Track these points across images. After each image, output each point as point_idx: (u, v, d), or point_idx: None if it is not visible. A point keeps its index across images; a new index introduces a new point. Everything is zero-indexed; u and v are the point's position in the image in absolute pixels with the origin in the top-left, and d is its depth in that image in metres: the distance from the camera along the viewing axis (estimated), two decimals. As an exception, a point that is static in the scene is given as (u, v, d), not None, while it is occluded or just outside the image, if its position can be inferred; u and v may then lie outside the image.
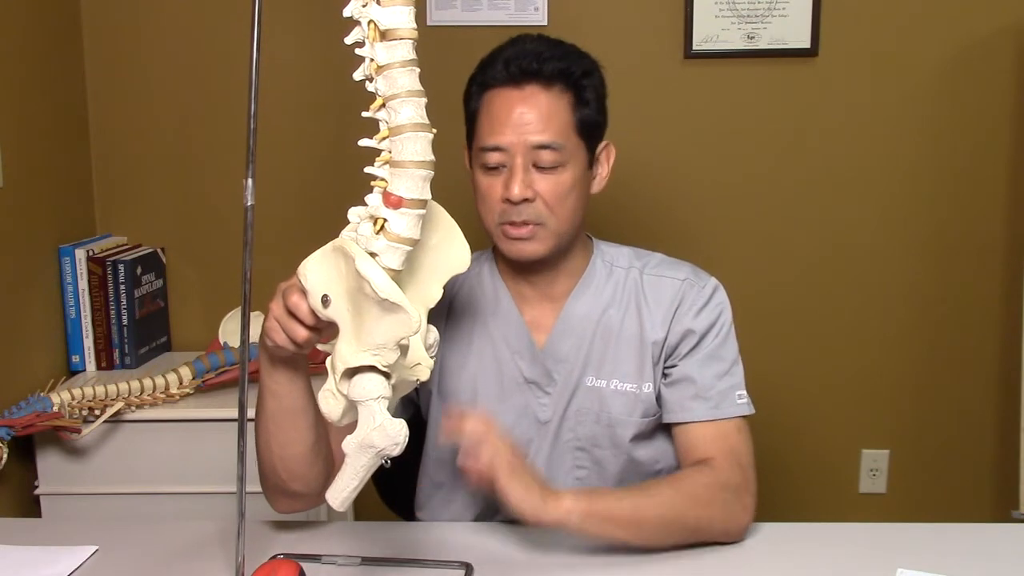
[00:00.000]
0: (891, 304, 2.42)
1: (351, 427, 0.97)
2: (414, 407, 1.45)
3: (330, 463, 1.24)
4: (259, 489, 1.31)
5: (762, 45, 2.29)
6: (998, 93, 2.31)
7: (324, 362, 1.02)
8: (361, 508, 1.51)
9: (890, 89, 2.32)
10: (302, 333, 1.06)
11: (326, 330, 1.05)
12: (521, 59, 1.27)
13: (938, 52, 2.31)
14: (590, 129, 1.30)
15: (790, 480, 2.46)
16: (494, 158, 1.27)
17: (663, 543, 1.20)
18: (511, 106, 1.26)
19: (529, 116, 1.25)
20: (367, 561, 1.20)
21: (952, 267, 2.39)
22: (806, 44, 2.29)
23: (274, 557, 1.19)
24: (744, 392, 1.33)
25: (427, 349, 1.04)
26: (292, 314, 1.05)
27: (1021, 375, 2.16)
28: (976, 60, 2.30)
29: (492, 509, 1.37)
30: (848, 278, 2.41)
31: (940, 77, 2.32)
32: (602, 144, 1.35)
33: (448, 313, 1.39)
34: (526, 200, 1.25)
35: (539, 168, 1.26)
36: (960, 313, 2.41)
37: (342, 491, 0.97)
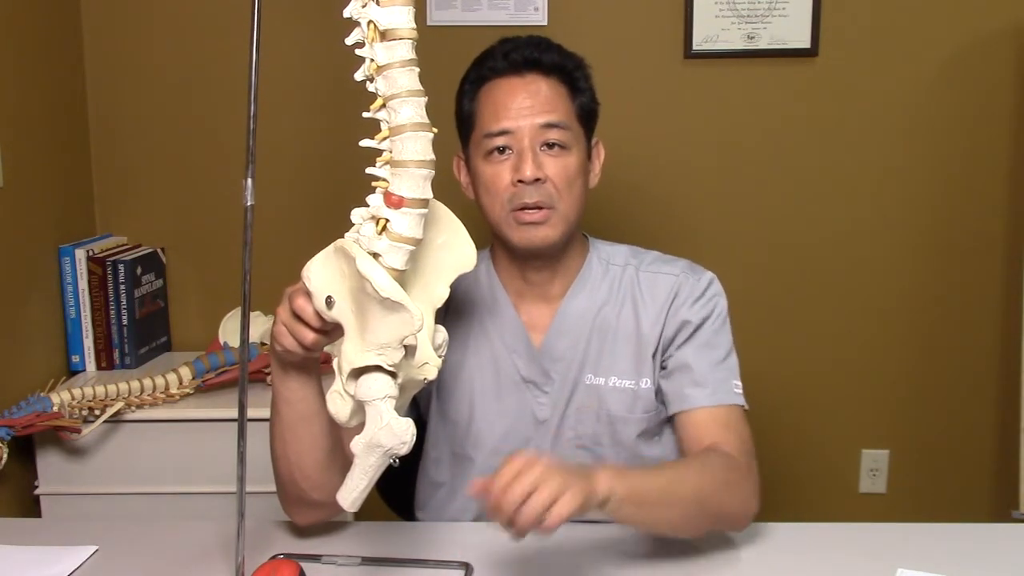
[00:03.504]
0: (891, 304, 2.42)
1: (362, 429, 0.97)
2: (416, 408, 1.45)
3: (347, 470, 1.24)
4: (259, 489, 1.32)
5: (762, 45, 2.29)
6: (998, 93, 2.31)
7: (329, 361, 1.02)
8: (361, 508, 1.50)
9: (890, 89, 2.32)
10: (309, 336, 1.06)
11: (333, 332, 1.05)
12: (522, 49, 1.30)
13: (938, 52, 2.31)
14: (588, 116, 1.34)
15: (790, 480, 2.45)
16: (500, 142, 1.27)
17: (684, 527, 1.16)
18: (515, 92, 1.28)
19: (534, 100, 1.28)
20: (367, 561, 1.20)
21: (952, 267, 2.39)
22: (806, 44, 2.29)
23: (274, 557, 1.19)
24: (739, 384, 1.33)
25: (435, 348, 1.04)
26: (298, 317, 1.05)
27: (1021, 375, 2.16)
28: (976, 60, 2.30)
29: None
30: (848, 278, 2.41)
31: (940, 77, 2.32)
32: (594, 139, 1.37)
33: (445, 312, 1.38)
34: (538, 180, 1.26)
35: (546, 152, 1.27)
36: (960, 313, 2.41)
37: (352, 491, 0.97)
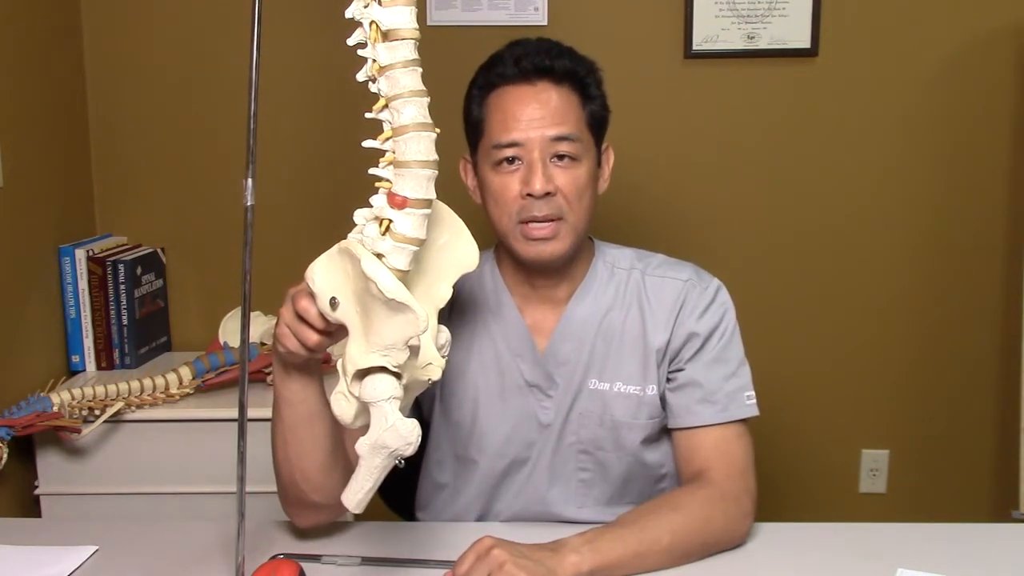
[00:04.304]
0: (891, 304, 2.42)
1: (366, 431, 0.97)
2: (419, 409, 1.44)
3: (349, 472, 1.23)
4: (259, 489, 1.31)
5: (762, 45, 2.30)
6: (998, 93, 2.31)
7: (330, 362, 1.02)
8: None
9: (890, 89, 2.32)
10: (313, 337, 1.05)
11: (337, 333, 1.05)
12: (532, 56, 1.27)
13: (938, 52, 2.31)
14: (598, 124, 1.32)
15: (790, 480, 2.46)
16: (509, 153, 1.26)
17: (672, 567, 1.18)
18: (525, 101, 1.26)
19: (544, 110, 1.25)
20: (367, 561, 1.20)
21: (952, 267, 2.40)
22: (806, 44, 2.29)
23: (274, 557, 1.19)
24: (752, 393, 1.33)
25: (439, 349, 1.04)
26: (302, 319, 1.05)
27: (1021, 375, 2.16)
28: (976, 60, 2.30)
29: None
30: (848, 277, 2.41)
31: (940, 77, 2.32)
32: (604, 144, 1.35)
33: (449, 314, 1.38)
34: (547, 194, 1.24)
35: (556, 163, 1.26)
36: (960, 313, 2.41)
37: (357, 493, 0.97)
